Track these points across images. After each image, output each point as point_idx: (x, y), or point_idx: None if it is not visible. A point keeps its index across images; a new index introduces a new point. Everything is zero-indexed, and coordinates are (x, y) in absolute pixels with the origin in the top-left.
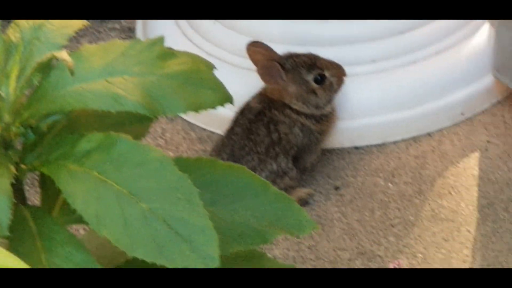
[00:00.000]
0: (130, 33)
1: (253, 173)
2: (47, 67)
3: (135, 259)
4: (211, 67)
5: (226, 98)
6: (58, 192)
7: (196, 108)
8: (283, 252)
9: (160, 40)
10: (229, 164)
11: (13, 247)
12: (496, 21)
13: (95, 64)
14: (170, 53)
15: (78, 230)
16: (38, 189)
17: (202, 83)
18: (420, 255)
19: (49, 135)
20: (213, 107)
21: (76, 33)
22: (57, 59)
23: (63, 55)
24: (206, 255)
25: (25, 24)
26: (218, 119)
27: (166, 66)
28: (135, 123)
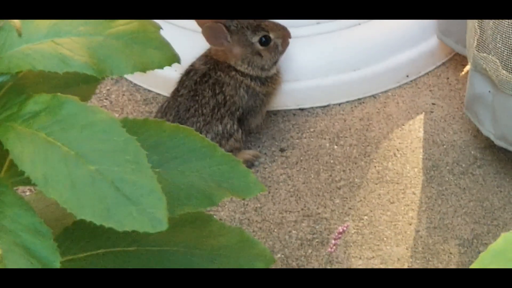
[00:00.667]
0: None
1: (200, 135)
2: None
3: (82, 221)
4: (157, 27)
5: (173, 58)
6: (6, 153)
7: (143, 68)
8: (229, 214)
9: None
10: (177, 126)
11: None
12: None
13: (42, 24)
14: None
15: (25, 192)
16: None
17: (149, 43)
18: (366, 217)
19: None
20: (160, 67)
21: None
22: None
23: None
24: (154, 217)
25: None
26: (164, 81)
27: (113, 26)
28: (82, 84)
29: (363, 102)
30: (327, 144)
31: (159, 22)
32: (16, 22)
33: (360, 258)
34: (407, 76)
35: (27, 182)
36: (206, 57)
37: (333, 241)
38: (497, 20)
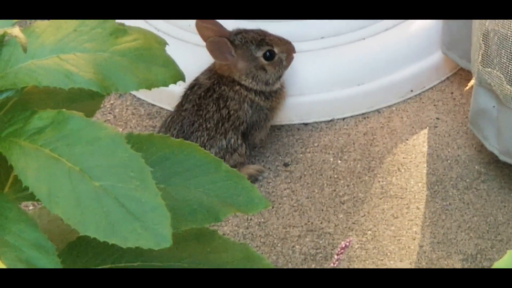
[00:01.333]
0: None
1: (205, 150)
2: None
3: (86, 237)
4: (163, 43)
5: (177, 75)
6: (10, 169)
7: (148, 85)
8: (233, 229)
9: None
10: (181, 141)
11: None
12: None
13: (47, 40)
14: (122, 30)
15: (28, 207)
16: None
17: (154, 60)
18: (370, 232)
19: (1, 112)
20: (165, 84)
21: None
22: (9, 35)
23: (16, 31)
24: (158, 233)
25: None
26: (168, 95)
27: (118, 43)
28: (87, 99)
29: (367, 117)
30: (331, 159)
31: (162, 36)
32: (22, 37)
33: None
34: (412, 90)
35: (31, 197)
36: (210, 72)
37: (336, 256)
38: (502, 35)
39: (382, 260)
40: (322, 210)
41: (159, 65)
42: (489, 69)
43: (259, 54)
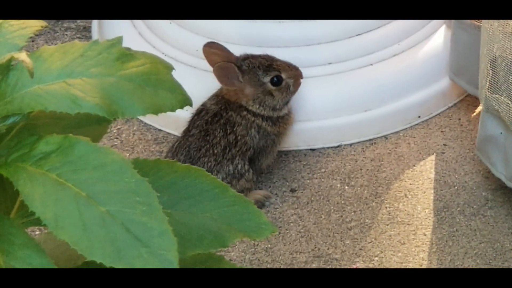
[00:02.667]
0: (85, 32)
1: (212, 175)
2: (6, 68)
3: (93, 262)
4: (170, 68)
5: (185, 100)
6: (16, 194)
7: (155, 111)
8: (239, 255)
9: (119, 41)
10: (188, 166)
11: None
12: (453, 24)
13: (54, 65)
14: (129, 54)
15: (34, 231)
16: None
17: (161, 85)
18: (377, 259)
19: (7, 137)
20: (172, 109)
21: None
22: (16, 60)
23: (23, 56)
24: (165, 259)
25: None
26: (174, 120)
27: (125, 68)
28: (94, 124)
29: (375, 143)
30: (338, 185)
31: (169, 61)
32: (28, 62)
33: None
34: (419, 117)
35: (38, 222)
36: (218, 97)
37: None
38: (509, 62)
39: None
40: (329, 236)
41: (166, 90)
42: (497, 96)
43: (267, 79)
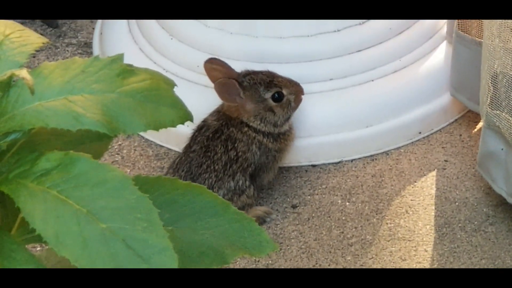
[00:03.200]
0: (86, 48)
1: (213, 192)
2: (6, 85)
3: None
4: (171, 84)
5: (186, 116)
6: (17, 210)
7: (156, 127)
8: None
9: (120, 57)
10: (189, 183)
11: None
12: (454, 40)
13: (55, 81)
14: (130, 71)
15: (35, 247)
16: None
17: (162, 101)
18: None
19: (8, 153)
20: (173, 125)
21: None
22: (17, 77)
23: (23, 73)
24: None
25: None
26: (176, 136)
27: (126, 84)
28: (95, 141)
29: (376, 159)
30: (339, 201)
31: (170, 77)
32: (29, 79)
33: None
34: (420, 132)
35: (39, 239)
36: (219, 113)
37: None
38: (510, 78)
39: None
40: (330, 252)
41: (167, 106)
42: (498, 112)
43: (268, 95)
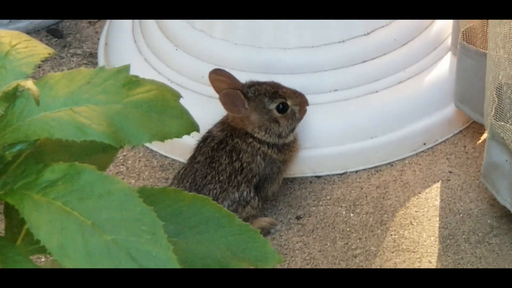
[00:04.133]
0: (91, 58)
1: (218, 204)
2: (12, 96)
3: None
4: (177, 95)
5: (191, 126)
6: (22, 221)
7: (162, 137)
8: None
9: (126, 68)
10: (194, 195)
11: None
12: (458, 51)
13: (60, 92)
14: (136, 81)
15: (40, 258)
16: (1, 218)
17: (168, 112)
18: None
19: (14, 164)
20: (179, 136)
21: None
22: (22, 88)
23: (29, 84)
24: None
25: None
26: (180, 147)
27: (131, 94)
28: (100, 152)
29: (380, 170)
30: (344, 212)
31: (175, 87)
32: (34, 90)
33: None
34: (424, 144)
35: (43, 250)
36: (223, 124)
37: None
38: None
39: None
40: (334, 264)
41: (172, 116)
42: (502, 123)
43: (272, 106)
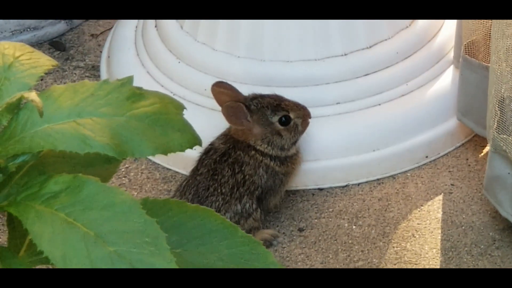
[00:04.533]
0: (94, 71)
1: (221, 216)
2: (16, 107)
3: None
4: (180, 108)
5: (194, 140)
6: (25, 232)
7: (165, 151)
8: None
9: (129, 80)
10: (197, 206)
11: None
12: (461, 64)
13: (64, 104)
14: (139, 94)
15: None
16: (4, 227)
17: (171, 125)
18: None
19: (17, 175)
20: (182, 149)
21: None
22: (26, 99)
23: (33, 96)
24: None
25: None
26: (183, 159)
27: (135, 107)
28: (103, 164)
29: (382, 183)
30: (346, 224)
31: (177, 100)
32: (38, 102)
33: None
34: (426, 156)
35: (46, 261)
36: (226, 136)
37: None
38: None
39: None
40: None
41: (176, 130)
42: (505, 136)
43: (275, 119)
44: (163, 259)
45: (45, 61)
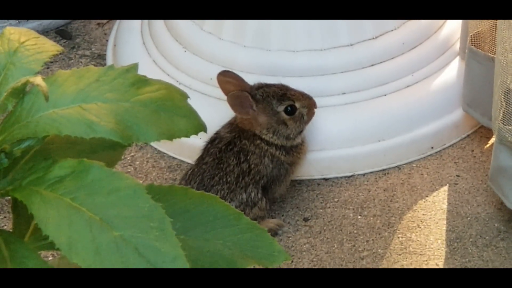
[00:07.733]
0: (100, 59)
1: (226, 203)
2: (21, 92)
3: None
4: (185, 96)
5: (199, 126)
6: (30, 217)
7: (170, 136)
8: None
9: (134, 67)
10: (202, 193)
11: None
12: (466, 55)
13: (69, 89)
14: (144, 80)
15: (48, 256)
16: (9, 214)
17: (176, 111)
18: None
19: (22, 160)
20: (187, 135)
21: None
22: (31, 84)
23: (38, 80)
24: None
25: (0, 49)
26: (188, 148)
27: (140, 93)
28: (108, 149)
29: (388, 173)
30: (351, 214)
31: (183, 89)
32: (43, 86)
33: None
34: (432, 147)
35: (51, 246)
36: (231, 125)
37: None
38: None
39: None
40: (341, 266)
41: (181, 116)
42: (510, 127)
43: (280, 108)
44: (169, 244)
45: (50, 46)
